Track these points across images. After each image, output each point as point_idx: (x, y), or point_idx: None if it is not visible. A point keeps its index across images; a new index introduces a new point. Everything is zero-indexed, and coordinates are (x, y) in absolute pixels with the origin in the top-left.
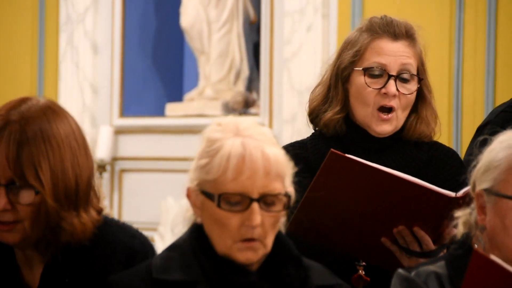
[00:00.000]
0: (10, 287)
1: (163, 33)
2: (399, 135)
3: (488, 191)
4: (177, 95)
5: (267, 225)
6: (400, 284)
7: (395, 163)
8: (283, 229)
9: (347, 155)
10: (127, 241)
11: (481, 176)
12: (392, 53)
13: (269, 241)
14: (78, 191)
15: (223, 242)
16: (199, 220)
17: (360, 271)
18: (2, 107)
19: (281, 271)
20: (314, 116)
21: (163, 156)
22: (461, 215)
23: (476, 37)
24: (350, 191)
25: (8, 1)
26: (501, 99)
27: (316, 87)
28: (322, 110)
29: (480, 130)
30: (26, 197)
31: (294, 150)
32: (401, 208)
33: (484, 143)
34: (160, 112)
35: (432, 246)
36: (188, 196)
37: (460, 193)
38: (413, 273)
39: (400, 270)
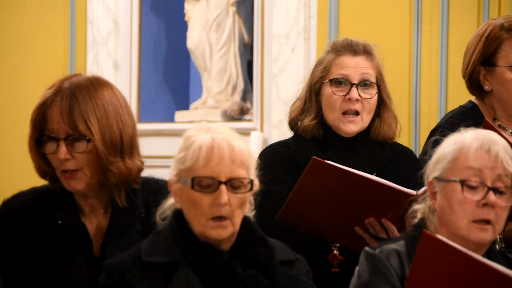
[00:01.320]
0: (77, 234)
1: (172, 53)
2: (366, 136)
3: (437, 178)
4: (184, 104)
5: (234, 205)
6: (366, 259)
7: (363, 159)
8: (251, 215)
9: (326, 161)
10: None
11: (432, 167)
12: (353, 66)
13: (237, 220)
14: (123, 141)
15: (198, 221)
16: (179, 206)
17: (335, 251)
18: (58, 80)
19: (249, 250)
20: (293, 124)
21: (173, 154)
22: (420, 207)
23: (431, 56)
24: (330, 190)
25: (44, 27)
26: (451, 108)
27: (296, 101)
28: (299, 119)
29: (432, 133)
30: (81, 146)
31: (278, 148)
32: (371, 203)
33: (437, 143)
34: (170, 119)
35: (397, 234)
36: (170, 186)
37: (420, 191)
38: (377, 250)
39: (366, 248)
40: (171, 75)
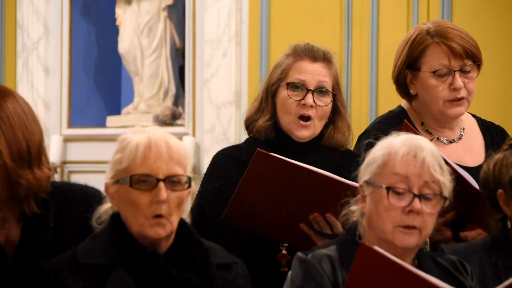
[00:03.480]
0: None
1: (103, 57)
2: (318, 142)
3: (367, 182)
4: (116, 109)
5: (172, 204)
6: (299, 265)
7: (313, 163)
8: (188, 219)
9: (271, 153)
10: (81, 188)
11: (363, 171)
12: (311, 72)
13: (174, 219)
14: (30, 152)
15: (137, 221)
16: (115, 209)
17: (283, 251)
18: None
19: (185, 253)
20: (248, 123)
21: (104, 160)
22: (356, 209)
23: (361, 61)
24: (275, 184)
25: None
26: (382, 113)
27: (254, 101)
28: (255, 119)
29: (360, 138)
30: None
31: (230, 152)
32: (316, 197)
33: (370, 146)
34: (102, 124)
35: (341, 229)
36: (106, 190)
37: None
38: (309, 256)
39: (299, 253)
40: (102, 80)
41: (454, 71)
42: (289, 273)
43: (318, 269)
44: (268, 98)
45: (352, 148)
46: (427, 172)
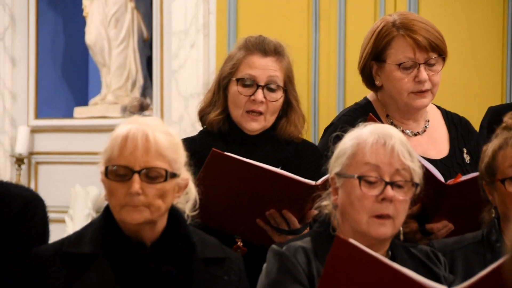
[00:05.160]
0: None
1: (71, 48)
2: (271, 134)
3: (338, 174)
4: (83, 100)
5: (150, 196)
6: (273, 257)
7: (266, 154)
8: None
9: (226, 153)
10: (18, 193)
11: (333, 163)
12: (261, 67)
13: (155, 209)
14: None
15: (115, 210)
16: (106, 198)
17: (239, 242)
18: None
19: (171, 247)
20: (201, 115)
21: (71, 151)
22: (327, 203)
23: (329, 53)
24: (230, 182)
25: None
26: (350, 105)
27: (207, 92)
28: (207, 112)
29: (326, 130)
30: None
31: (184, 144)
32: (272, 195)
33: (338, 139)
34: (69, 115)
35: (297, 225)
36: (101, 179)
37: (319, 181)
38: (284, 248)
39: (273, 246)
40: (69, 70)
41: (419, 64)
42: (264, 265)
43: (293, 261)
44: (220, 91)
45: (316, 141)
46: (397, 159)
